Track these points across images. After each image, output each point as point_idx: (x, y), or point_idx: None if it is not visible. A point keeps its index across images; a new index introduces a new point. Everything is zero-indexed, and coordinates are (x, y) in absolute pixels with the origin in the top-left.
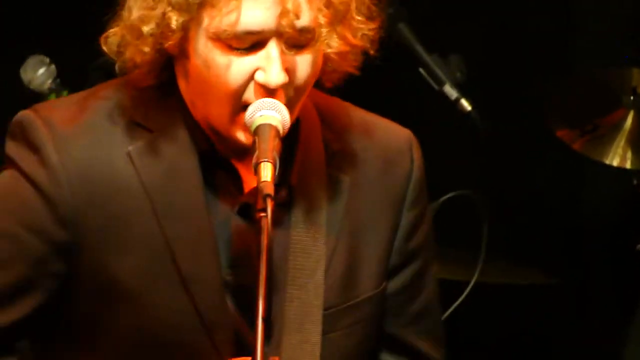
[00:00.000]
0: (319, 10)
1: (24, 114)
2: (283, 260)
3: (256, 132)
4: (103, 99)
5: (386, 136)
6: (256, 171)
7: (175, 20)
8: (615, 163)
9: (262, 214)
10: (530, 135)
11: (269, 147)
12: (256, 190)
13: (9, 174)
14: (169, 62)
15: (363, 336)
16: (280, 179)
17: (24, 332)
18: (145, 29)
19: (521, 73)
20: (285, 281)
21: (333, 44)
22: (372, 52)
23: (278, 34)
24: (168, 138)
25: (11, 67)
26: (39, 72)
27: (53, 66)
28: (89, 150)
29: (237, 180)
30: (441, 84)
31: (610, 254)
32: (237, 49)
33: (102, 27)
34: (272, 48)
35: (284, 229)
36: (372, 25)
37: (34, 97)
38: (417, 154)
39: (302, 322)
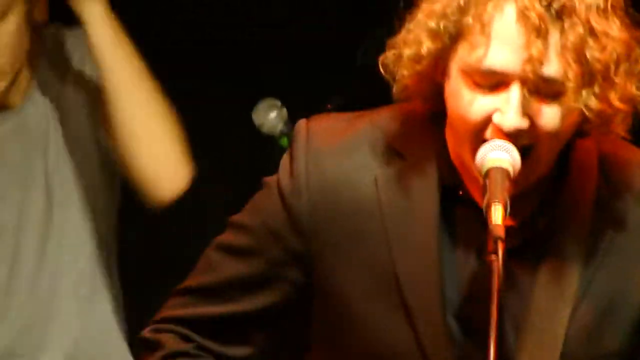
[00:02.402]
0: (568, 64)
1: (300, 121)
2: (523, 302)
3: (487, 174)
4: (372, 122)
5: None
6: (486, 213)
7: (425, 46)
8: None
9: (493, 257)
10: None
11: (499, 189)
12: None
13: (274, 179)
14: (441, 90)
15: None
16: (537, 220)
17: (259, 328)
18: (406, 52)
19: None
20: (523, 325)
21: (591, 103)
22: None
23: (522, 79)
24: (417, 169)
25: (244, 110)
26: (270, 116)
27: (284, 110)
28: (338, 168)
29: (480, 220)
30: None
31: None
32: (481, 87)
33: (331, 70)
34: (514, 91)
35: (530, 269)
36: None
37: (266, 141)
38: None
39: None
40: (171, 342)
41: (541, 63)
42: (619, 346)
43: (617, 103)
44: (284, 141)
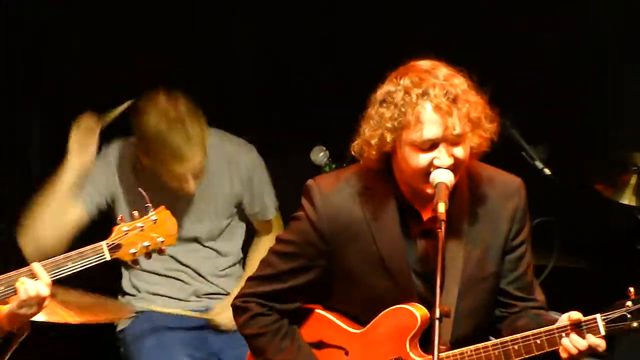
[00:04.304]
0: (465, 124)
1: (310, 182)
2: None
3: (436, 186)
4: (350, 174)
5: (504, 184)
6: (435, 207)
7: (389, 137)
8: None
9: (439, 230)
10: (583, 186)
11: (443, 195)
12: (431, 221)
13: (302, 213)
14: (388, 155)
15: (488, 300)
16: (450, 209)
17: (302, 292)
18: (372, 142)
19: (579, 154)
20: (443, 265)
21: (475, 140)
22: (495, 139)
23: (445, 139)
24: (381, 195)
25: (305, 152)
26: (320, 155)
27: (327, 151)
28: (338, 201)
29: (418, 216)
30: (533, 160)
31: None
32: (423, 149)
33: (355, 129)
34: (442, 146)
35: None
36: (494, 125)
37: (317, 169)
38: (523, 194)
39: (449, 287)
40: (253, 307)
41: (454, 129)
42: (495, 269)
43: (485, 136)
44: (326, 169)
